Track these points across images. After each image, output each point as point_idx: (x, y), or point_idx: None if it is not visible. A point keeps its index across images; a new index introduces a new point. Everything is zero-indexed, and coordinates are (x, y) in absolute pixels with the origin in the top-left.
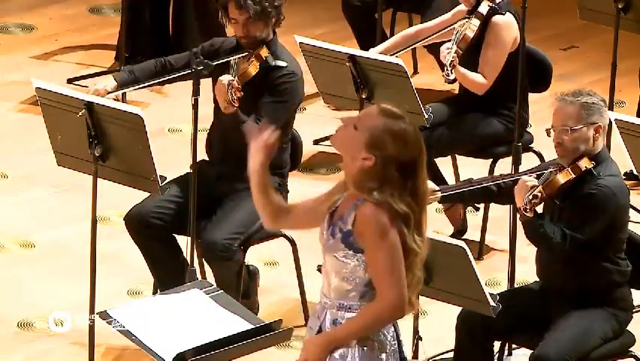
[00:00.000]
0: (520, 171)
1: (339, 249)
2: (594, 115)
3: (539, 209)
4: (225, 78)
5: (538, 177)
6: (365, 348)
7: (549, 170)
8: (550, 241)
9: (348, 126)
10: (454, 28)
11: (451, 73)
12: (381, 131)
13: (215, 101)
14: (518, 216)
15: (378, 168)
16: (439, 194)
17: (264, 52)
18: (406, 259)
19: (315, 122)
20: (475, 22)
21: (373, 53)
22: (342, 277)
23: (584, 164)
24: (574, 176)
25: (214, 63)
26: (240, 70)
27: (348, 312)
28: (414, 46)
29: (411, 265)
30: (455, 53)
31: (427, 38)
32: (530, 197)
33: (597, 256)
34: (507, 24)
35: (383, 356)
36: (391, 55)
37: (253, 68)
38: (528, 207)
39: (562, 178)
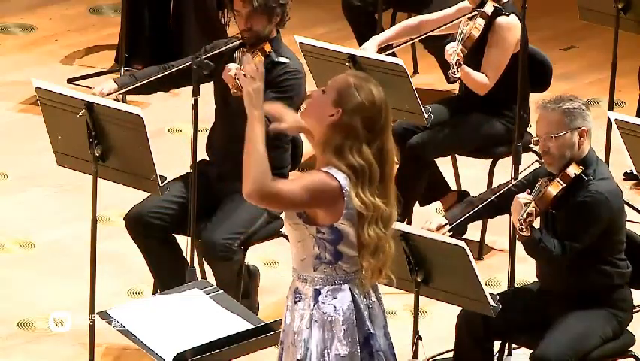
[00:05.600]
0: (519, 173)
1: (292, 216)
2: (577, 120)
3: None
4: (233, 66)
5: (531, 187)
6: (320, 328)
7: (539, 182)
8: (550, 255)
9: (316, 94)
10: (458, 25)
11: (457, 71)
12: (348, 86)
13: (217, 102)
14: (517, 236)
15: (343, 120)
16: (447, 227)
17: (268, 47)
18: (365, 207)
19: None
20: (481, 22)
21: (374, 43)
22: (297, 245)
23: (573, 170)
24: (565, 185)
25: (209, 55)
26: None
27: (305, 283)
28: (416, 39)
29: (363, 222)
30: (460, 51)
31: (430, 31)
32: (524, 216)
33: (596, 260)
34: (511, 25)
35: (338, 331)
36: (394, 47)
37: (258, 60)
38: (523, 227)
39: (553, 190)
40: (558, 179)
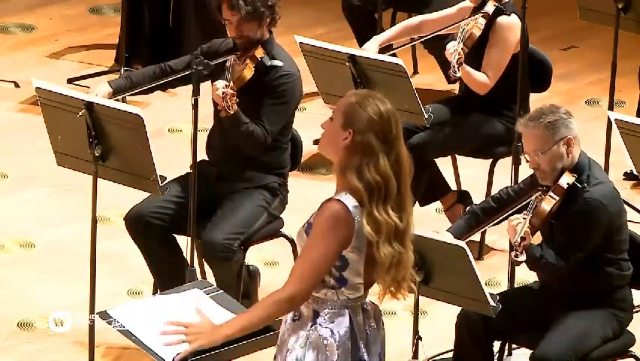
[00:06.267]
0: (518, 181)
1: (302, 240)
2: (560, 130)
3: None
4: (220, 84)
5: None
6: (315, 350)
7: (534, 197)
8: (554, 267)
9: (326, 125)
10: (459, 25)
11: (458, 71)
12: (352, 105)
13: (215, 102)
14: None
15: (357, 139)
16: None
17: (259, 52)
18: (376, 233)
19: (315, 122)
20: (482, 21)
21: (375, 43)
22: None
23: (566, 180)
24: (559, 198)
25: (213, 63)
26: (235, 73)
27: (305, 303)
28: (417, 41)
29: (377, 244)
30: (461, 50)
31: (432, 34)
32: (518, 240)
33: (597, 261)
34: (512, 25)
35: (332, 355)
36: (394, 48)
37: (248, 72)
38: (519, 252)
39: (547, 206)
40: (551, 193)
